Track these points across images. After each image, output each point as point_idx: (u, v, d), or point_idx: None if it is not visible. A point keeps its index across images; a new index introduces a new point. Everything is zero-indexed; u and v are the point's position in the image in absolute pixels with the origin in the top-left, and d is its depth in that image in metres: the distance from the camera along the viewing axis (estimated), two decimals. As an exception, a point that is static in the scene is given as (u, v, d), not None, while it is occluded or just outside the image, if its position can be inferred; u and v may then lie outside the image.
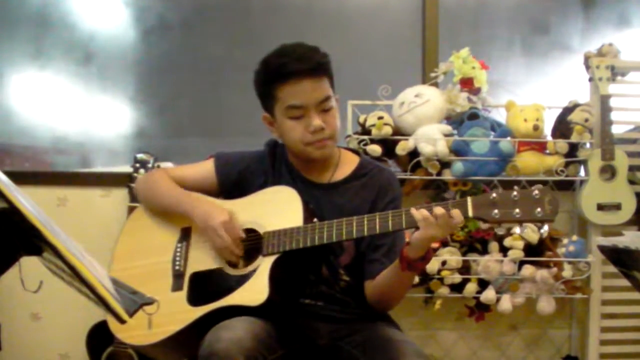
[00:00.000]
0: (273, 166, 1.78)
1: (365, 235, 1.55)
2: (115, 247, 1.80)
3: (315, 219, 1.62)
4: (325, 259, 1.68)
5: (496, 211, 1.42)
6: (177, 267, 1.67)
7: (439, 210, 1.44)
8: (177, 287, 1.64)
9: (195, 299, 1.60)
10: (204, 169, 1.81)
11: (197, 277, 1.64)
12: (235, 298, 1.55)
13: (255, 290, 1.53)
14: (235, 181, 1.77)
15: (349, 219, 1.54)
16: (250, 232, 1.65)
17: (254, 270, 1.57)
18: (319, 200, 1.70)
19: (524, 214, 1.41)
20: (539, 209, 1.40)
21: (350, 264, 1.70)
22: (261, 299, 1.51)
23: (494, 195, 1.43)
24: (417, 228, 1.47)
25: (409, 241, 1.52)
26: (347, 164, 1.78)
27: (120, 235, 1.82)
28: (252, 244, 1.64)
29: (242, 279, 1.58)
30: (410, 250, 1.51)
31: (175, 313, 1.58)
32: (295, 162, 1.76)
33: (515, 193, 1.42)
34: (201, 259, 1.65)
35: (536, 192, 1.41)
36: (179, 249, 1.69)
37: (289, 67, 1.60)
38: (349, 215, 1.59)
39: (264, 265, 1.56)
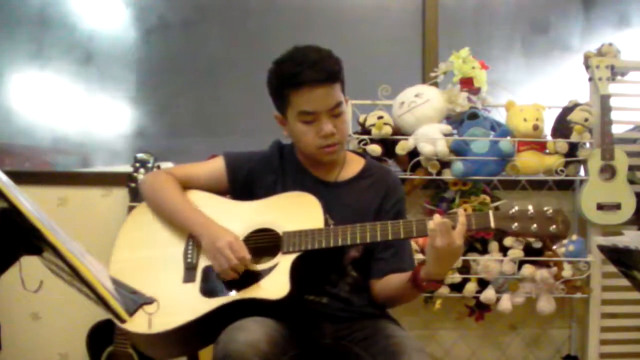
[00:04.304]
0: (282, 165, 1.80)
1: (390, 239, 1.59)
2: (116, 238, 1.77)
3: (331, 225, 1.65)
4: (335, 257, 1.69)
5: (516, 224, 1.53)
6: (189, 260, 1.67)
7: (439, 219, 1.50)
8: (189, 278, 1.64)
9: (208, 292, 1.61)
10: (214, 168, 1.81)
11: (210, 270, 1.64)
12: (256, 291, 1.56)
13: (276, 285, 1.55)
14: (244, 180, 1.79)
15: (373, 223, 1.58)
16: (265, 231, 1.67)
17: (273, 267, 1.59)
18: (327, 198, 1.72)
19: (540, 229, 1.53)
20: (553, 226, 1.53)
21: (359, 259, 1.72)
22: (282, 293, 1.52)
23: (513, 210, 1.54)
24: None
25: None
26: (353, 165, 1.82)
27: (123, 227, 1.79)
28: (268, 243, 1.66)
29: (259, 275, 1.59)
30: (423, 269, 1.57)
31: (187, 304, 1.58)
32: (303, 160, 1.80)
33: (531, 210, 1.54)
34: None
35: (550, 211, 1.54)
36: (191, 242, 1.70)
37: (303, 76, 1.63)
38: (356, 213, 1.67)
39: (284, 262, 1.58)
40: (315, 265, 1.65)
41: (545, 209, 1.54)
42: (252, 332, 1.43)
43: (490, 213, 1.55)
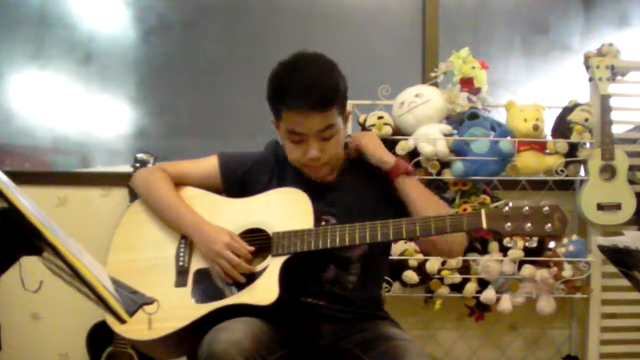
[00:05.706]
0: (278, 166, 1.78)
1: (379, 241, 1.55)
2: (112, 238, 1.76)
3: (323, 222, 1.63)
4: (335, 256, 1.67)
5: (509, 224, 1.47)
6: (181, 263, 1.66)
7: None
8: (180, 283, 1.63)
9: (199, 296, 1.60)
10: (207, 167, 1.79)
11: (201, 274, 1.64)
12: (244, 297, 1.55)
13: (265, 289, 1.53)
14: (239, 180, 1.77)
15: (362, 224, 1.55)
16: (257, 231, 1.65)
17: (263, 270, 1.57)
18: (325, 198, 1.71)
19: (535, 228, 1.47)
20: (549, 225, 1.46)
21: (364, 255, 1.69)
22: (271, 298, 1.51)
23: (506, 209, 1.49)
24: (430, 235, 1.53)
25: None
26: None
27: (118, 227, 1.78)
28: (259, 243, 1.64)
29: (250, 278, 1.57)
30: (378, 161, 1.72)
31: (178, 309, 1.57)
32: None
33: (526, 208, 1.48)
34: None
35: (546, 208, 1.47)
36: (182, 245, 1.68)
37: (294, 99, 1.57)
38: (359, 209, 1.65)
39: (273, 265, 1.56)
40: (308, 266, 1.63)
41: (542, 204, 1.47)
42: (235, 331, 1.43)
43: (483, 213, 1.49)
